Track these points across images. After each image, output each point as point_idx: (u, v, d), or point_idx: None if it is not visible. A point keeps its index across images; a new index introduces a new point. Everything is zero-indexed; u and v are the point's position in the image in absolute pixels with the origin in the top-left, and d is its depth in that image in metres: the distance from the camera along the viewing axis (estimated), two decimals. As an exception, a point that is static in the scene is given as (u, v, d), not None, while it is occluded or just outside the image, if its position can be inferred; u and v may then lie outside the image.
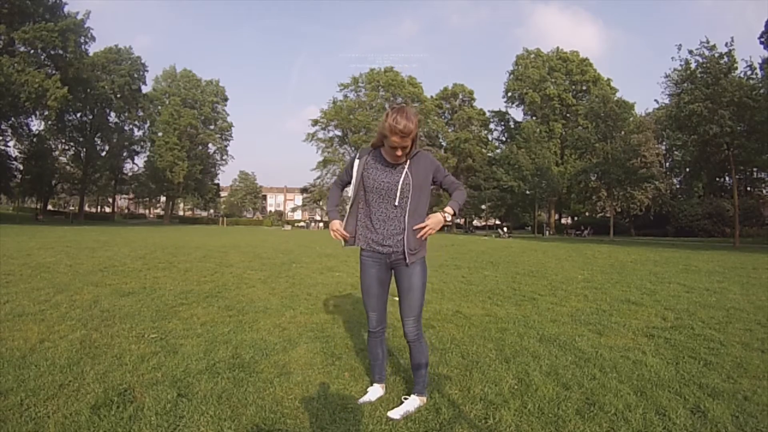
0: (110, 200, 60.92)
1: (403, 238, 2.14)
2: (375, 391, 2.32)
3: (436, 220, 2.14)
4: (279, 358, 2.86)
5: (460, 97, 57.18)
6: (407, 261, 2.13)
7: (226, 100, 58.44)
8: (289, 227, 51.36)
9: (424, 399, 2.24)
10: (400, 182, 2.12)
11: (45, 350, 2.82)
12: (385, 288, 2.26)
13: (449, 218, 2.14)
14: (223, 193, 72.45)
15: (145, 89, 49.49)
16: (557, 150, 47.11)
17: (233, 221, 64.88)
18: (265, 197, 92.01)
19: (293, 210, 74.83)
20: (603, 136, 33.02)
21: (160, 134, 50.08)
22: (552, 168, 41.49)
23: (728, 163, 24.42)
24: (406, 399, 2.21)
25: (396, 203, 2.13)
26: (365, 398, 2.27)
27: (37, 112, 35.20)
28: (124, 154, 49.43)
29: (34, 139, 41.00)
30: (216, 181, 60.68)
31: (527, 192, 42.86)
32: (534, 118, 50.63)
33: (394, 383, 2.49)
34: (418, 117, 2.09)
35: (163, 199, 59.18)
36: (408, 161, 2.16)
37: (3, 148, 38.24)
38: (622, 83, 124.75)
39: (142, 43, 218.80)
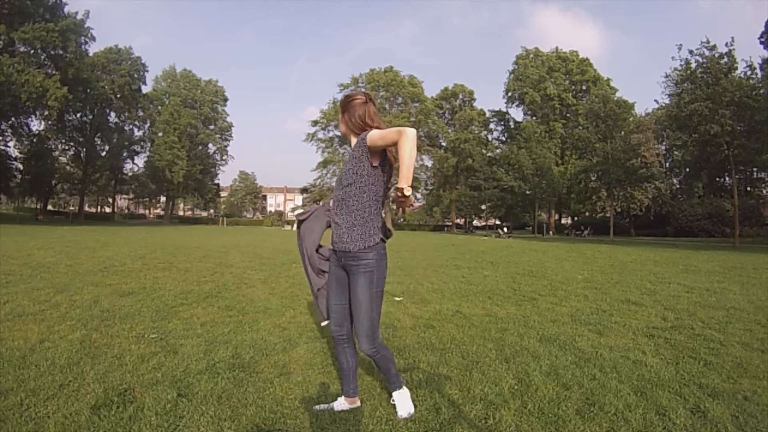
0: (110, 200, 60.82)
1: (339, 233, 2.00)
2: (339, 404, 2.14)
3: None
4: (279, 358, 2.86)
5: (461, 97, 57.10)
6: (345, 260, 2.01)
7: (226, 100, 58.42)
8: (289, 227, 51.28)
9: (404, 389, 2.15)
10: (344, 169, 2.02)
11: (45, 350, 2.82)
12: (343, 289, 2.09)
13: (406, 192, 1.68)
14: (223, 193, 72.46)
15: (145, 89, 49.57)
16: (557, 150, 47.07)
17: (233, 221, 64.82)
18: (265, 197, 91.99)
19: (293, 210, 74.88)
20: (603, 136, 33.00)
21: (160, 134, 50.04)
22: (552, 168, 41.45)
23: (728, 163, 24.41)
24: (393, 402, 2.13)
25: (338, 193, 2.02)
26: (322, 406, 2.14)
27: (37, 112, 35.20)
28: (124, 154, 49.40)
29: (34, 139, 40.94)
30: (216, 181, 60.69)
31: (527, 192, 42.83)
32: (534, 118, 50.60)
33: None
34: (359, 98, 2.04)
35: (163, 199, 59.16)
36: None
37: (3, 148, 38.20)
38: (622, 83, 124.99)
39: (142, 43, 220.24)
